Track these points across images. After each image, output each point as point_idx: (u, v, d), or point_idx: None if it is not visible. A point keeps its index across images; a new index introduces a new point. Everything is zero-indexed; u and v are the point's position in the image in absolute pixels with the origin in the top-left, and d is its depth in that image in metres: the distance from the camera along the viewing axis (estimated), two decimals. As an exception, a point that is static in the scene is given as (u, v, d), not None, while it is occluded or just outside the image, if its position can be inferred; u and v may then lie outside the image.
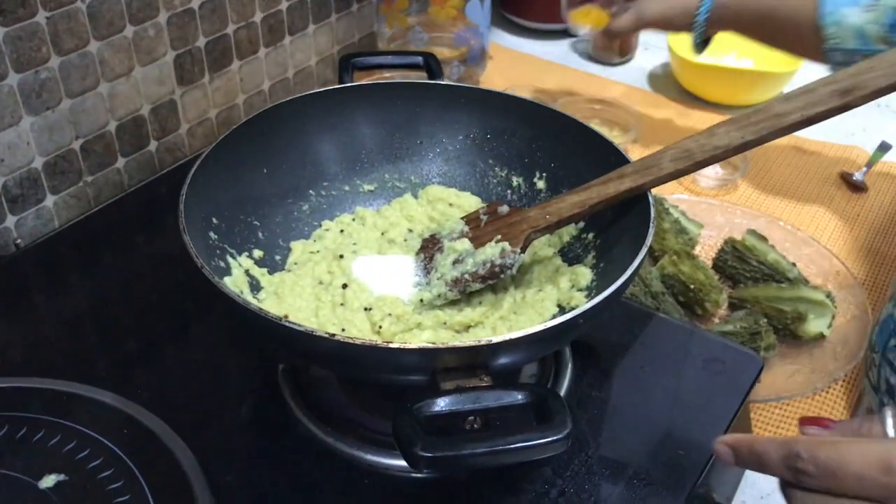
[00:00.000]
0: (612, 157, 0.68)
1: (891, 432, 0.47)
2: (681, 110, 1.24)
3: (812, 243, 0.96)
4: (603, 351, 0.74)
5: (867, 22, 0.86)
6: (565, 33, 1.44)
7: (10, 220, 0.87)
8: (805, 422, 0.51)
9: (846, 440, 0.46)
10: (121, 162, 0.96)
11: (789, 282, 0.89)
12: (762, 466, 0.48)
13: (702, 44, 1.05)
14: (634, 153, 0.66)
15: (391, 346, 0.51)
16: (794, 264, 0.91)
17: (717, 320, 0.88)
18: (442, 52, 1.18)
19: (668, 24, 1.06)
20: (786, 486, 0.48)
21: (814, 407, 0.80)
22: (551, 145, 0.75)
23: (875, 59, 0.60)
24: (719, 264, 0.93)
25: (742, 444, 0.50)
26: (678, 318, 0.83)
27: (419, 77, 0.82)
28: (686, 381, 0.71)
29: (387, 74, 1.01)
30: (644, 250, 0.58)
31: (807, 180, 1.11)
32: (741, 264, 0.91)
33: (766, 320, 0.84)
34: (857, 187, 1.09)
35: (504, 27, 1.46)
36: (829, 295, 0.86)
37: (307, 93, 0.75)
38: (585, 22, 1.19)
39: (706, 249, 0.98)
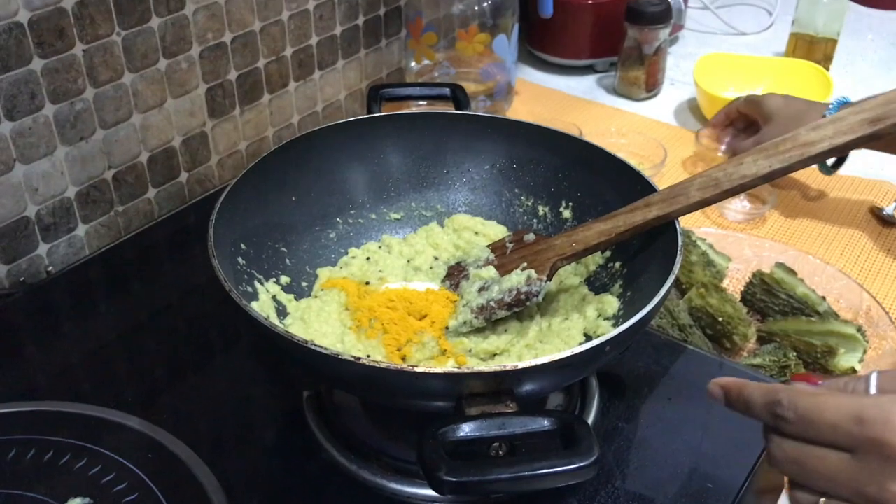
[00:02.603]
0: (638, 186, 0.68)
1: (873, 390, 0.50)
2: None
3: (842, 277, 0.95)
4: (630, 382, 0.73)
5: None
6: (590, 69, 1.45)
7: (43, 248, 0.88)
8: (796, 377, 0.54)
9: (826, 392, 0.49)
10: (151, 192, 0.98)
11: (819, 315, 0.88)
12: (748, 410, 0.52)
13: (835, 164, 1.02)
14: (660, 185, 0.66)
15: (416, 370, 0.51)
16: (823, 298, 0.90)
17: (745, 354, 0.87)
18: (469, 87, 1.19)
19: None
20: (767, 431, 0.51)
21: (846, 442, 0.79)
22: (577, 174, 0.75)
23: (904, 90, 0.60)
24: (748, 297, 0.92)
25: (733, 386, 0.54)
26: (706, 351, 0.82)
27: (447, 108, 0.83)
28: (714, 413, 0.70)
29: (414, 106, 1.02)
30: (672, 278, 0.58)
31: (836, 215, 1.10)
32: (770, 297, 0.90)
33: (795, 354, 0.82)
34: (887, 222, 1.08)
35: (530, 63, 1.48)
36: (860, 329, 0.85)
37: (337, 122, 0.76)
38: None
39: (734, 283, 0.97)
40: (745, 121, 1.16)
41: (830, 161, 1.01)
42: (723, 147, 1.16)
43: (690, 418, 0.70)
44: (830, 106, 1.01)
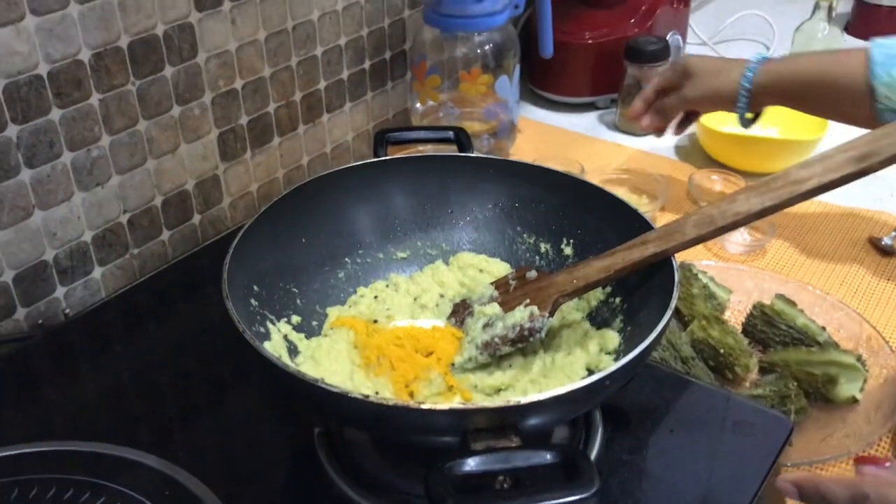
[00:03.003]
0: (636, 224, 0.70)
1: None
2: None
3: (842, 307, 0.96)
4: (634, 415, 0.75)
5: None
6: (592, 106, 1.48)
7: (60, 291, 0.91)
8: (861, 461, 0.51)
9: None
10: (165, 234, 1.00)
11: (819, 346, 0.89)
12: None
13: (751, 119, 1.07)
14: (662, 220, 0.68)
15: (423, 407, 0.53)
16: (823, 328, 0.92)
17: (747, 385, 0.89)
18: (473, 126, 1.22)
19: (711, 103, 1.09)
20: None
21: (848, 471, 0.80)
22: (577, 213, 0.77)
23: (890, 127, 0.62)
24: (749, 329, 0.94)
25: (806, 483, 0.52)
26: (708, 382, 0.83)
27: (450, 150, 0.86)
28: (716, 444, 0.72)
29: (419, 148, 1.05)
30: (669, 313, 0.60)
31: (835, 245, 1.12)
32: (770, 328, 0.92)
33: (796, 384, 0.84)
34: (886, 252, 1.10)
35: (533, 101, 1.51)
36: (859, 358, 0.86)
37: (345, 166, 0.79)
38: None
39: (735, 314, 0.99)
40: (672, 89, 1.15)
41: (750, 115, 1.06)
42: (646, 119, 1.15)
43: (694, 449, 0.71)
44: (750, 63, 1.03)
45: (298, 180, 0.75)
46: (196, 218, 1.04)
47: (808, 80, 0.98)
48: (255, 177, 1.09)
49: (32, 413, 0.77)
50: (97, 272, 0.94)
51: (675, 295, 0.62)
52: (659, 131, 1.17)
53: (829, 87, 0.96)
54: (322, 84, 1.14)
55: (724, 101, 1.06)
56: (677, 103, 1.10)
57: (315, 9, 1.08)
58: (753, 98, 1.02)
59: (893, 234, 1.12)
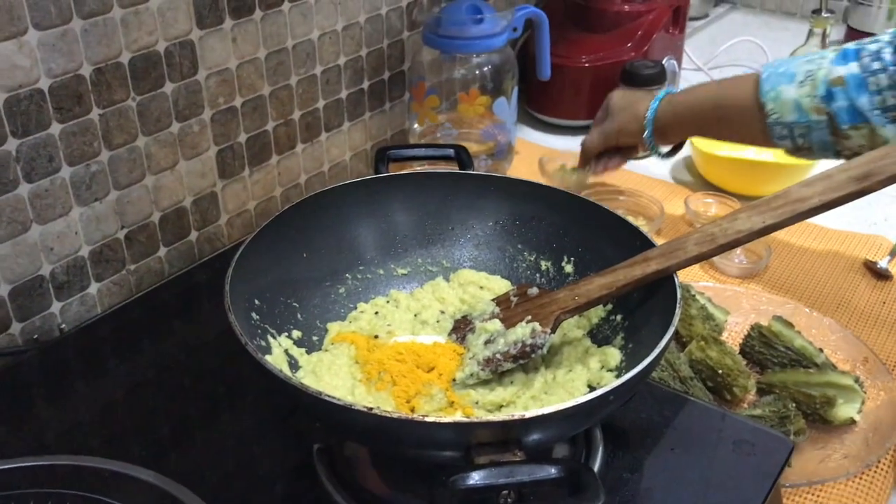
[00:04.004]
0: (637, 242, 0.70)
1: None
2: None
3: (839, 330, 0.97)
4: (634, 434, 0.75)
5: (802, 95, 0.90)
6: (588, 129, 1.49)
7: (56, 306, 0.90)
8: None
9: None
10: (162, 251, 1.00)
11: (817, 367, 0.89)
12: None
13: (668, 153, 1.12)
14: (658, 241, 0.69)
15: (427, 419, 0.53)
16: (821, 350, 0.92)
17: (745, 405, 0.89)
18: (470, 147, 1.22)
19: (625, 135, 1.09)
20: None
21: (847, 492, 0.80)
22: (578, 231, 0.77)
23: (889, 148, 0.63)
24: (746, 350, 0.94)
25: None
26: (707, 402, 0.83)
27: (450, 168, 0.86)
28: (716, 463, 0.72)
29: (419, 166, 1.05)
30: (672, 329, 0.60)
31: (830, 269, 1.12)
32: (768, 349, 0.92)
33: (794, 405, 0.84)
34: (881, 275, 1.10)
35: (530, 123, 1.52)
36: (857, 380, 0.87)
37: (347, 182, 0.79)
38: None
39: (733, 336, 0.99)
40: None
41: (665, 149, 1.11)
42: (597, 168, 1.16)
43: (694, 469, 0.71)
44: (659, 94, 1.06)
45: (296, 198, 0.75)
46: (193, 235, 1.03)
47: (704, 107, 1.02)
48: (252, 195, 1.09)
49: (27, 428, 0.77)
50: (93, 287, 0.94)
51: (678, 312, 0.62)
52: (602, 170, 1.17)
53: (723, 110, 1.00)
54: (321, 103, 1.15)
55: (633, 135, 1.08)
56: (596, 138, 1.12)
57: (315, 28, 1.09)
58: (658, 131, 1.05)
59: (888, 257, 1.12)
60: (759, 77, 0.95)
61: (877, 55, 0.87)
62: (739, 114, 0.98)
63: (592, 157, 1.14)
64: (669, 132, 1.07)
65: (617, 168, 1.17)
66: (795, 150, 0.95)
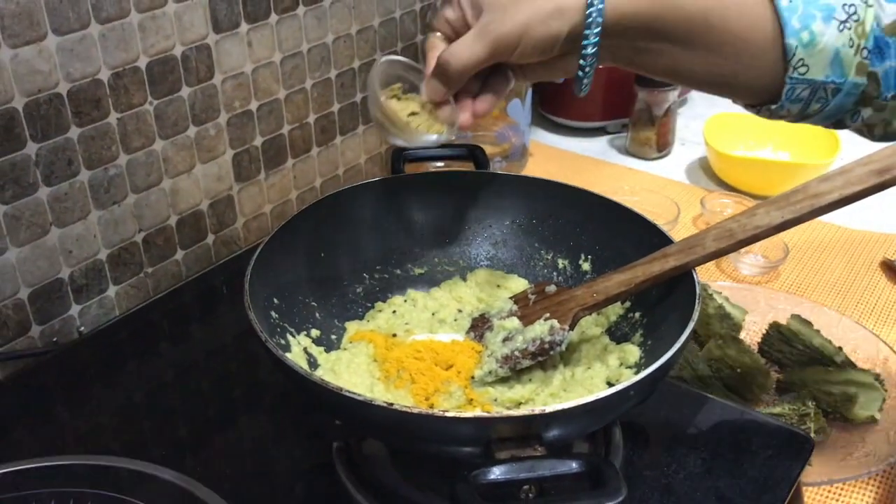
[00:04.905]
0: (654, 239, 0.70)
1: None
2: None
3: (858, 329, 0.96)
4: (653, 432, 0.74)
5: (844, 44, 0.61)
6: (602, 131, 1.49)
7: (75, 309, 0.91)
8: None
9: None
10: (180, 254, 1.01)
11: (836, 365, 0.89)
12: None
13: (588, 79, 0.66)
14: (676, 240, 0.68)
15: (447, 414, 0.53)
16: (840, 349, 0.91)
17: (764, 404, 0.88)
18: (485, 149, 1.22)
19: (533, 43, 0.63)
20: None
21: (868, 491, 0.79)
22: (595, 228, 0.77)
23: (910, 140, 0.62)
24: (765, 348, 0.94)
25: None
26: (727, 400, 0.83)
27: (466, 167, 0.86)
28: (736, 462, 0.71)
29: (435, 165, 1.05)
30: (692, 325, 0.60)
31: (849, 268, 1.12)
32: (787, 348, 0.92)
33: (814, 403, 0.83)
34: (900, 274, 1.10)
35: (543, 126, 1.52)
36: (877, 377, 0.86)
37: (363, 182, 0.79)
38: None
39: (751, 335, 0.98)
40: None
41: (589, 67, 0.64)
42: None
43: (714, 466, 0.70)
44: None
45: (311, 201, 0.75)
46: (210, 238, 1.04)
47: (689, 12, 0.62)
48: (268, 198, 1.10)
49: (46, 429, 0.77)
50: (112, 290, 0.94)
51: (698, 307, 0.62)
52: (473, 117, 0.70)
53: (717, 31, 0.62)
54: (336, 107, 1.15)
55: (547, 42, 0.63)
56: (473, 49, 0.64)
57: (329, 32, 1.10)
58: (604, 39, 0.63)
59: (907, 256, 1.12)
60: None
61: None
62: (742, 47, 0.62)
63: (458, 84, 0.67)
64: (616, 46, 0.64)
65: (486, 114, 0.70)
66: (795, 117, 0.66)
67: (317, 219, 0.74)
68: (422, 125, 0.67)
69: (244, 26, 0.98)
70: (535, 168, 1.35)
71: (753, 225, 0.65)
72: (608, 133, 1.49)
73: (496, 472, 0.51)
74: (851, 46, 0.61)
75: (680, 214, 1.17)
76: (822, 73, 0.62)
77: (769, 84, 0.63)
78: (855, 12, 0.61)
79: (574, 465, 0.52)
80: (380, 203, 0.79)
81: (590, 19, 0.61)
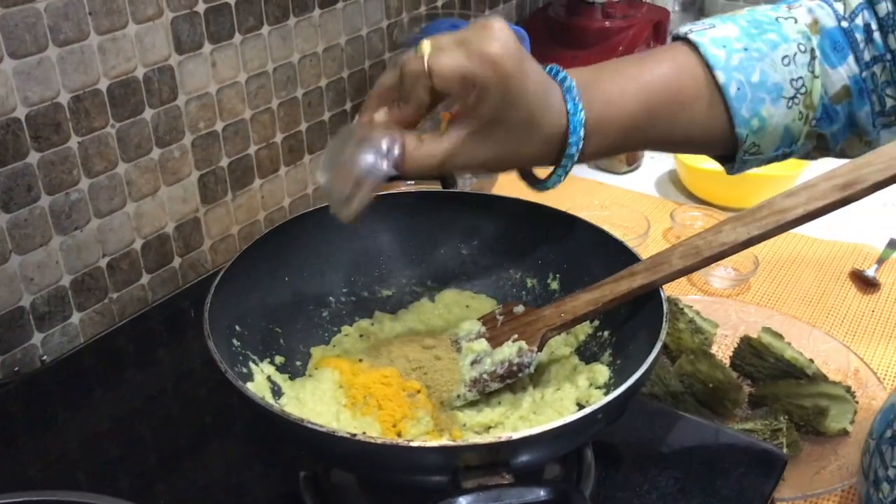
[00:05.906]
0: (622, 257, 0.70)
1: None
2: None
3: (828, 340, 0.96)
4: (625, 451, 0.74)
5: (794, 119, 0.65)
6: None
7: (37, 338, 0.89)
8: None
9: None
10: (145, 278, 0.99)
11: (808, 378, 0.89)
12: None
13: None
14: (644, 255, 0.68)
15: (412, 444, 0.52)
16: (811, 361, 0.91)
17: (737, 419, 0.88)
18: (454, 166, 1.22)
19: (530, 141, 0.64)
20: None
21: (843, 504, 0.79)
22: (563, 247, 0.77)
23: (872, 155, 0.63)
24: (737, 362, 0.94)
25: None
26: (699, 417, 0.82)
27: (433, 187, 0.85)
28: (709, 479, 0.71)
29: (402, 186, 1.04)
30: (659, 345, 0.59)
31: (818, 279, 1.12)
32: (759, 362, 0.92)
33: (787, 417, 0.83)
34: (869, 283, 1.10)
35: (514, 141, 1.51)
36: (849, 389, 0.86)
37: (328, 204, 0.78)
38: None
39: (722, 349, 0.98)
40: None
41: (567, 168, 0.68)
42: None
43: (688, 485, 0.70)
44: (558, 76, 0.67)
45: (280, 222, 0.74)
46: (176, 261, 1.02)
47: (636, 113, 0.65)
48: (236, 219, 1.09)
49: (9, 462, 0.75)
50: (75, 317, 0.92)
51: (665, 326, 0.61)
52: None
53: (661, 122, 0.65)
54: (303, 126, 1.14)
55: (544, 144, 0.65)
56: (437, 155, 0.64)
57: (295, 51, 1.09)
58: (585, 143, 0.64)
59: (876, 266, 1.12)
60: (718, 79, 0.63)
61: (866, 34, 0.64)
62: (699, 140, 0.68)
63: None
64: (597, 143, 0.65)
65: None
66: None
67: (280, 242, 0.73)
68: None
69: (207, 47, 0.97)
70: (505, 186, 1.34)
71: (720, 242, 0.65)
72: (579, 147, 1.49)
73: (462, 503, 0.50)
74: (801, 119, 0.66)
75: (650, 228, 1.17)
76: (773, 147, 0.68)
77: (728, 149, 0.69)
78: (803, 85, 0.65)
79: (542, 493, 0.51)
80: (344, 225, 0.78)
81: (574, 129, 0.64)
